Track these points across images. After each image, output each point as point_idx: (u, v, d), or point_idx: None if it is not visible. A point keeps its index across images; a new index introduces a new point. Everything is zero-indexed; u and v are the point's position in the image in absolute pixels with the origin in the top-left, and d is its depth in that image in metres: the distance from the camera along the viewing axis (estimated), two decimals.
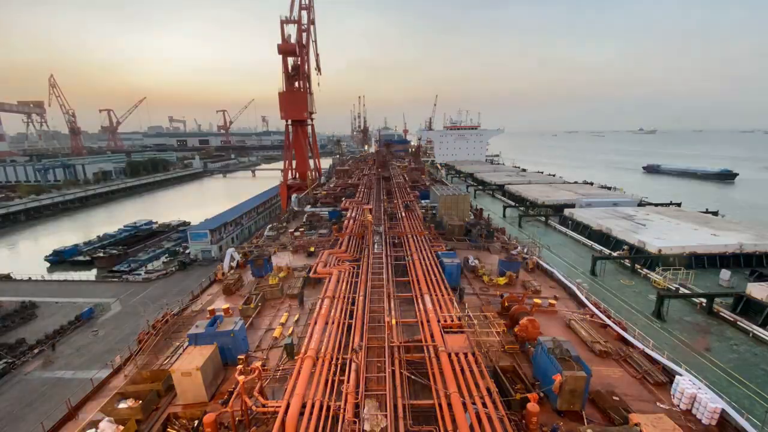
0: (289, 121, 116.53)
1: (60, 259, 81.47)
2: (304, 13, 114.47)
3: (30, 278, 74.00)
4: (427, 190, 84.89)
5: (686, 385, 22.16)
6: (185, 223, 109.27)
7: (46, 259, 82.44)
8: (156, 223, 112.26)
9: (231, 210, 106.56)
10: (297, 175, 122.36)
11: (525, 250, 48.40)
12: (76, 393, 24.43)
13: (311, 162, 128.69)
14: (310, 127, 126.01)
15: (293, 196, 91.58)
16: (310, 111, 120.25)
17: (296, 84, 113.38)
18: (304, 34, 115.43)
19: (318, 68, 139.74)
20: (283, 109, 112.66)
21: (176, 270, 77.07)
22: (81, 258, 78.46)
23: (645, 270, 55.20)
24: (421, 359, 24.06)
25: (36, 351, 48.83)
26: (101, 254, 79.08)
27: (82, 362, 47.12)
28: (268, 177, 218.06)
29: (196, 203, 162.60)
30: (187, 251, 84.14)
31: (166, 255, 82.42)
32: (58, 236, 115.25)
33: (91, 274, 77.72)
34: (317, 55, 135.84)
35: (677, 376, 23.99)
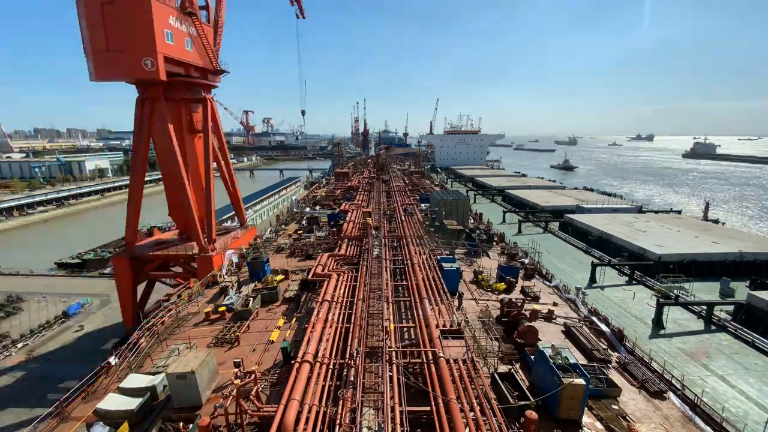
0: (143, 93, 51.13)
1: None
2: None
3: (18, 272, 73.69)
4: (427, 193, 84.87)
5: (685, 393, 22.00)
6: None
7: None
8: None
9: (225, 207, 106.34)
10: (170, 219, 62.12)
11: (524, 256, 48.27)
12: (65, 391, 24.11)
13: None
14: (203, 105, 56.75)
15: (292, 198, 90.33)
16: (204, 66, 54.23)
17: None
18: None
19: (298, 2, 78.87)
20: (90, 51, 43.86)
21: None
22: (72, 260, 77.80)
23: (645, 277, 55.11)
24: (419, 365, 23.86)
25: (19, 345, 48.49)
26: (92, 256, 78.43)
27: (66, 357, 46.78)
28: (267, 177, 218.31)
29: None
30: None
31: None
32: (47, 231, 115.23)
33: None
34: None
35: (676, 385, 23.84)
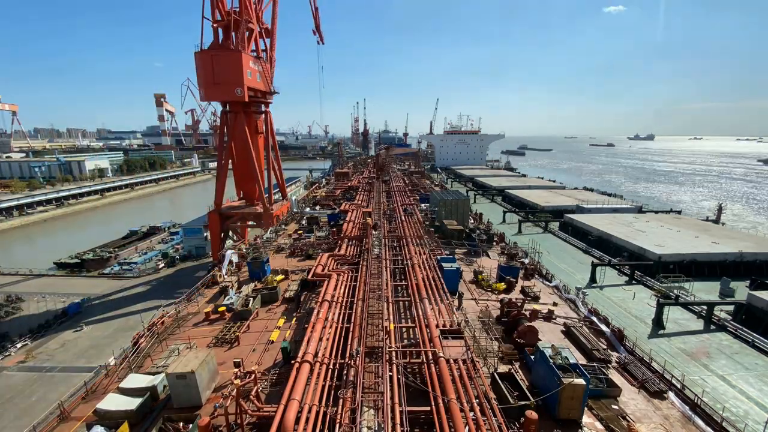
0: (227, 106, 74.19)
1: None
2: None
3: (17, 272, 73.81)
4: (427, 193, 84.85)
5: (685, 393, 22.00)
6: (176, 225, 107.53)
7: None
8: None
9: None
10: (241, 194, 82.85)
11: (524, 256, 48.24)
12: (60, 393, 24.06)
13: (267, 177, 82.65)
14: (264, 117, 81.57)
15: (293, 198, 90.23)
16: (262, 89, 76.21)
17: (232, 39, 68.33)
18: None
19: (317, 30, 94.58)
20: (202, 83, 67.15)
21: (166, 267, 77.10)
22: (71, 261, 77.61)
23: (645, 277, 55.14)
24: (419, 365, 23.84)
25: (18, 345, 48.50)
26: (91, 256, 78.28)
27: (66, 358, 46.71)
28: None
29: (192, 206, 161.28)
30: (182, 251, 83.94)
31: (159, 257, 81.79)
32: (46, 230, 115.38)
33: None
34: (316, 9, 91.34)
35: (676, 385, 23.82)
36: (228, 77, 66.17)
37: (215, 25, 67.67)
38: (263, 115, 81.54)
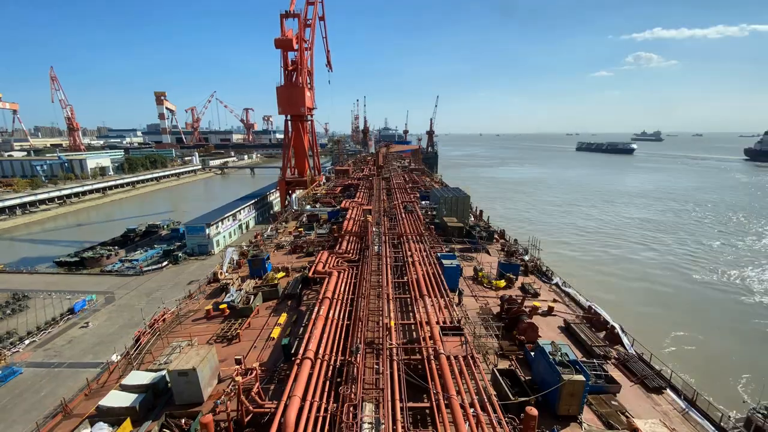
0: (289, 117, 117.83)
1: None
2: (310, 8, 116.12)
3: (21, 270, 74.26)
4: (427, 190, 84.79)
5: (684, 389, 22.06)
6: (174, 223, 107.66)
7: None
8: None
9: (227, 205, 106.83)
10: (296, 172, 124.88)
11: (525, 253, 48.24)
12: (68, 388, 24.25)
13: (311, 160, 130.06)
14: (309, 124, 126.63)
15: (293, 196, 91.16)
16: (310, 107, 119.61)
17: (294, 79, 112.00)
18: (308, 29, 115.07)
19: (329, 64, 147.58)
20: (280, 104, 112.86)
21: (169, 264, 77.58)
22: (70, 259, 77.83)
23: None
24: (420, 361, 23.93)
25: (26, 342, 48.98)
26: (91, 255, 78.52)
27: (73, 354, 47.32)
28: (268, 174, 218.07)
29: (193, 204, 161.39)
30: (184, 249, 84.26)
31: (160, 255, 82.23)
32: (49, 229, 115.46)
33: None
34: (328, 51, 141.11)
35: (676, 380, 23.90)
36: (297, 101, 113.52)
37: (286, 71, 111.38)
38: (309, 122, 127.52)
